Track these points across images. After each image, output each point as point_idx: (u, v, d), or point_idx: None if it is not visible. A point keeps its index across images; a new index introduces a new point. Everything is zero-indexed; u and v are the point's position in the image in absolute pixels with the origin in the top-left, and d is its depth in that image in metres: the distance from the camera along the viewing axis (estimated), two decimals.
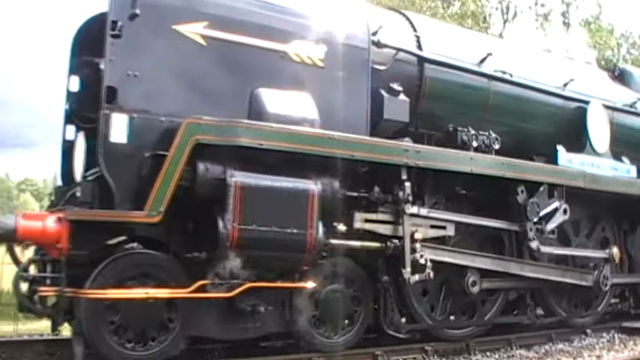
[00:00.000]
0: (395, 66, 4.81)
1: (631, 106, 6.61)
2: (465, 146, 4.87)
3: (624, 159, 6.36)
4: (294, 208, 3.90)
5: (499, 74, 5.42)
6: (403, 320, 4.67)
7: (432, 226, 4.70)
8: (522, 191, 5.10)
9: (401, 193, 4.36)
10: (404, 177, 4.40)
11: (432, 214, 4.59)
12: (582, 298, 6.03)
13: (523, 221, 5.07)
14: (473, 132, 4.91)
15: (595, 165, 5.93)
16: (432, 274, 4.37)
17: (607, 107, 6.30)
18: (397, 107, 4.68)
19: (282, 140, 3.88)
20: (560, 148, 5.77)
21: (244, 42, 4.08)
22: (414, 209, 4.44)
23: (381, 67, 4.71)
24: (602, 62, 10.76)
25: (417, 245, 4.34)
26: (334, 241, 4.21)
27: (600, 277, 5.72)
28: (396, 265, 4.61)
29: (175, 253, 3.89)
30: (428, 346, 4.74)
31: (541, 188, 5.19)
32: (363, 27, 4.59)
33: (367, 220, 4.37)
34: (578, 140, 5.95)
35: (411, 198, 4.39)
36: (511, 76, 5.53)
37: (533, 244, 5.13)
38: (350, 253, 4.44)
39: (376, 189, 4.37)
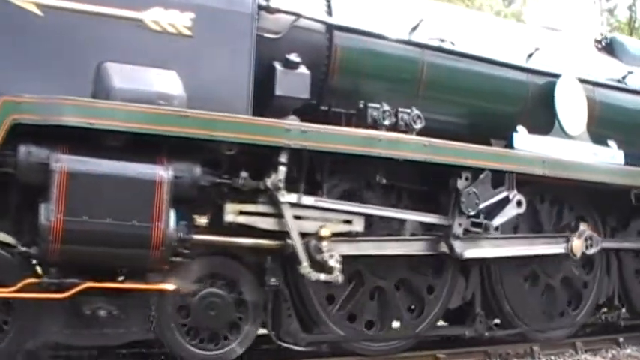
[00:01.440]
0: (294, 34, 4.12)
1: (619, 81, 5.59)
2: (375, 125, 4.12)
3: (610, 143, 5.39)
4: (135, 197, 3.31)
5: (436, 43, 4.64)
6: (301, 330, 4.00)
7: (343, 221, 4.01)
8: (467, 178, 4.31)
9: (273, 178, 3.68)
10: (282, 160, 3.70)
11: (321, 204, 3.87)
12: (554, 306, 5.14)
13: (454, 215, 4.27)
14: (387, 109, 4.15)
15: (565, 149, 5.01)
16: (340, 278, 3.69)
17: (586, 82, 5.34)
18: (294, 82, 3.98)
19: (119, 119, 3.31)
20: (520, 130, 4.90)
21: (90, 10, 3.53)
22: (292, 197, 3.75)
23: (273, 36, 4.04)
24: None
25: (324, 243, 3.67)
26: (200, 237, 3.62)
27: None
28: (294, 264, 3.97)
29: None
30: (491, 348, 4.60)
31: (481, 175, 4.37)
32: None
33: (242, 213, 3.73)
34: (546, 121, 5.05)
35: (282, 184, 3.69)
36: (453, 44, 4.73)
37: (457, 246, 4.28)
38: (233, 251, 3.83)
39: (242, 174, 3.69)
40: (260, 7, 3.93)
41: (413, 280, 4.45)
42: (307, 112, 4.17)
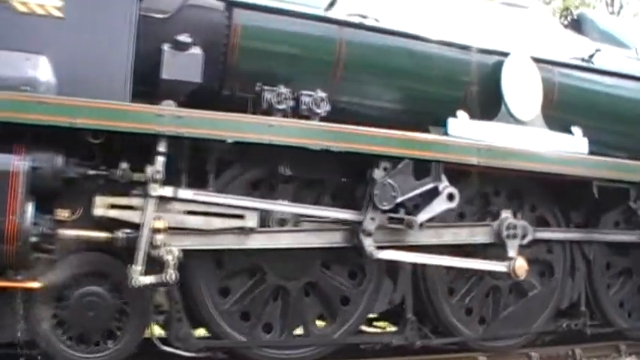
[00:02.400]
0: (186, 13, 3.77)
1: (585, 60, 5.00)
2: (270, 110, 3.73)
3: (575, 129, 4.83)
4: None
5: (356, 19, 4.20)
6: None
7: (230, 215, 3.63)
8: (385, 169, 3.86)
9: (151, 170, 3.35)
10: (160, 149, 3.36)
11: (202, 198, 3.51)
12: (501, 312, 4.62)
13: (367, 209, 3.83)
14: (283, 91, 3.74)
15: (513, 136, 4.48)
16: (173, 276, 3.31)
17: (543, 61, 4.79)
18: (183, 64, 3.63)
19: None
20: (460, 115, 4.41)
21: None
22: (165, 191, 3.40)
23: (160, 16, 3.70)
24: None
25: (159, 237, 3.31)
26: (66, 232, 3.32)
27: None
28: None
29: None
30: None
31: (400, 165, 3.91)
32: None
33: (114, 206, 3.41)
34: (494, 105, 4.54)
35: (160, 176, 3.34)
36: (377, 21, 4.28)
37: (367, 244, 3.80)
38: (114, 248, 3.51)
39: (123, 165, 3.38)
40: None
41: (325, 281, 4.03)
42: (207, 97, 3.83)
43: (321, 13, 4.07)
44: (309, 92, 3.81)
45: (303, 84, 3.96)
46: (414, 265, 4.22)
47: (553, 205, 4.82)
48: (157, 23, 3.68)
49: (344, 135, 3.70)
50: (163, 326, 3.80)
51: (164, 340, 3.68)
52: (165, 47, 3.64)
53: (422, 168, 3.97)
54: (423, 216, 3.98)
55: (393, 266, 4.18)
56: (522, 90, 4.57)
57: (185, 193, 3.46)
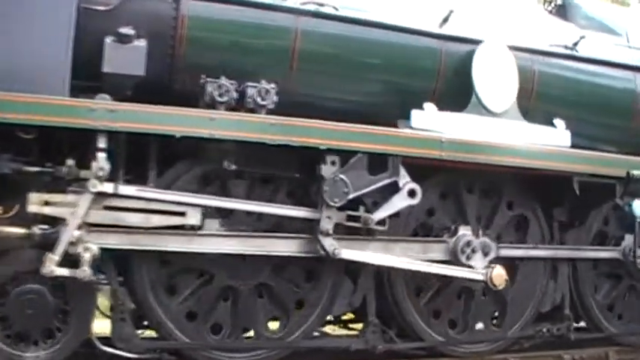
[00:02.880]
0: (131, 5, 3.64)
1: (568, 48, 4.70)
2: (213, 103, 3.58)
3: (557, 121, 4.54)
4: None
5: (313, 8, 4.02)
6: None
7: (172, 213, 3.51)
8: (334, 163, 3.68)
9: (94, 166, 3.25)
10: (100, 145, 3.27)
11: (145, 194, 3.39)
12: (473, 315, 4.38)
13: (321, 207, 3.65)
14: (224, 83, 3.59)
15: (485, 128, 4.23)
16: (88, 272, 3.19)
17: (521, 50, 4.51)
18: (125, 58, 3.51)
19: None
20: (428, 107, 4.18)
21: None
22: (107, 187, 3.29)
23: (103, 8, 3.60)
24: None
25: (77, 233, 3.21)
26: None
27: None
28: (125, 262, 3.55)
29: None
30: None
31: (352, 159, 3.72)
32: None
33: (49, 203, 3.32)
34: (465, 96, 4.29)
35: (103, 172, 3.25)
36: (336, 9, 4.10)
37: (328, 244, 3.65)
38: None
39: (69, 162, 3.30)
40: None
41: (278, 282, 3.87)
42: (158, 91, 3.71)
43: (274, 1, 3.92)
44: (255, 84, 3.64)
45: (256, 76, 3.80)
46: (379, 266, 4.04)
47: (534, 202, 4.56)
48: (100, 16, 3.58)
49: (287, 128, 3.54)
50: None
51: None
52: (107, 40, 3.53)
53: (379, 163, 3.78)
54: (380, 213, 3.80)
55: (352, 266, 4.00)
56: (495, 79, 4.30)
57: (126, 189, 3.36)
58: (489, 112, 4.27)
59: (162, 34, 3.72)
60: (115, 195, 3.36)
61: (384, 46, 4.18)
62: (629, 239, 4.65)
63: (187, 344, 3.66)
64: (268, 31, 3.91)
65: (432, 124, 4.06)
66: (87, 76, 3.51)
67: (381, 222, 3.81)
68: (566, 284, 4.66)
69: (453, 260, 4.02)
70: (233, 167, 3.64)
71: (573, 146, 4.47)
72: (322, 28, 4.03)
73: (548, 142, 4.38)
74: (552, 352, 4.65)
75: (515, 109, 4.38)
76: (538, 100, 4.59)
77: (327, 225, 3.66)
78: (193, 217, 3.51)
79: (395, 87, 4.25)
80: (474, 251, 3.99)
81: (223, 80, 3.58)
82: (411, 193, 3.86)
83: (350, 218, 3.77)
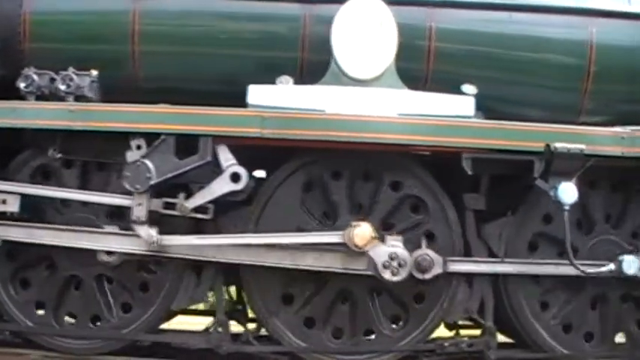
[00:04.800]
0: None
1: None
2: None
3: (466, 87, 3.65)
4: None
5: None
6: None
7: None
8: (139, 147, 3.47)
9: None
10: None
11: None
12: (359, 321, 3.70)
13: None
14: (29, 74, 3.53)
15: (344, 100, 3.58)
16: None
17: (409, 3, 3.74)
18: None
19: None
20: (283, 80, 3.69)
21: None
22: None
23: None
24: None
25: None
26: None
27: None
28: None
29: None
30: None
31: (156, 142, 3.44)
32: None
33: None
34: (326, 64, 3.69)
35: None
36: None
37: (143, 233, 3.45)
38: None
39: None
40: None
41: (117, 274, 3.73)
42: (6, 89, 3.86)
43: None
44: (65, 73, 3.59)
45: (101, 65, 3.77)
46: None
47: (432, 182, 3.70)
48: None
49: (87, 114, 3.45)
50: None
51: None
52: None
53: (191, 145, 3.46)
54: (197, 200, 3.47)
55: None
56: (361, 42, 3.64)
57: None
58: (353, 81, 3.63)
59: (11, 33, 3.91)
60: None
61: (235, 18, 3.84)
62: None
63: (28, 328, 3.73)
64: (105, 16, 3.86)
65: (274, 99, 3.59)
66: None
67: (204, 210, 3.50)
68: (488, 290, 3.71)
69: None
70: (58, 156, 3.67)
71: (501, 116, 3.59)
72: (163, 6, 3.85)
73: (439, 112, 3.56)
74: None
75: (393, 74, 3.64)
76: (440, 62, 3.77)
77: (138, 213, 3.48)
78: (12, 205, 3.61)
79: (253, 61, 3.87)
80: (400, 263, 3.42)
81: (29, 71, 3.61)
82: (234, 177, 3.46)
83: (169, 205, 3.53)
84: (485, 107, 3.77)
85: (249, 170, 3.54)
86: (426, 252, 3.50)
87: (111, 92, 3.75)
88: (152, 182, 3.42)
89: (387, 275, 3.39)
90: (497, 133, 3.42)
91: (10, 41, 3.88)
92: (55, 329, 3.73)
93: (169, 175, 3.44)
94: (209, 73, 3.90)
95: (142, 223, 3.49)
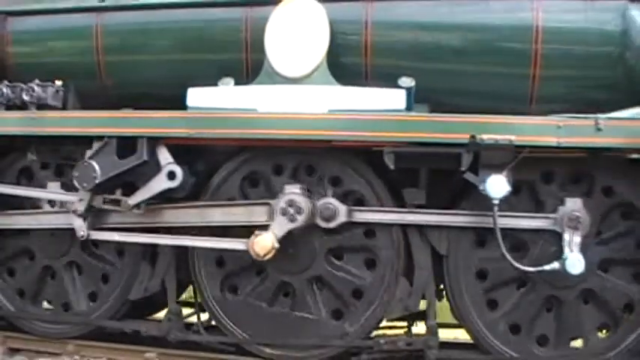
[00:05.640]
0: None
1: None
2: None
3: (403, 80, 3.58)
4: None
5: (111, 3, 4.11)
6: None
7: None
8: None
9: None
10: None
11: None
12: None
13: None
14: (18, 87, 3.94)
15: (278, 98, 3.64)
16: None
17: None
18: None
19: None
20: (224, 82, 3.83)
21: None
22: None
23: None
24: None
25: None
26: None
27: None
28: None
29: None
30: None
31: (95, 145, 3.72)
32: None
33: None
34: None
35: None
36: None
37: (76, 225, 3.79)
38: None
39: None
40: None
41: (86, 262, 4.09)
42: None
43: (75, 3, 4.20)
44: (29, 85, 3.95)
45: (74, 78, 4.16)
46: (178, 248, 3.89)
47: (372, 177, 3.67)
48: None
49: (41, 121, 3.82)
50: None
51: None
52: None
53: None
54: (137, 197, 3.72)
55: (151, 250, 3.97)
56: (293, 41, 3.69)
57: None
58: (285, 79, 3.69)
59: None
60: None
61: (183, 26, 4.04)
62: None
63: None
64: (72, 32, 4.23)
65: (212, 100, 3.74)
66: None
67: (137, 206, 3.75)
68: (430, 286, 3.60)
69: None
70: (34, 158, 4.08)
71: (453, 109, 3.51)
72: (122, 20, 4.14)
73: (370, 107, 3.53)
74: None
75: (325, 72, 3.66)
76: (379, 56, 3.73)
77: (77, 206, 3.80)
78: None
79: (203, 65, 4.03)
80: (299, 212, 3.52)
81: (2, 85, 4.02)
82: (171, 176, 3.67)
83: (111, 202, 3.81)
84: (435, 100, 3.72)
85: None
86: (329, 200, 3.54)
87: (85, 100, 4.17)
88: (97, 181, 3.71)
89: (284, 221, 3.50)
90: (419, 126, 3.33)
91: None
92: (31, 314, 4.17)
93: (111, 174, 3.72)
94: (164, 78, 4.13)
95: (78, 215, 3.82)
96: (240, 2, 3.93)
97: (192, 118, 3.60)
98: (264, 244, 3.49)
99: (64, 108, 4.10)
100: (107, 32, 4.14)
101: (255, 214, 3.71)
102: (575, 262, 3.27)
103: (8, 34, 4.35)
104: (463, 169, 3.32)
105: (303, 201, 3.55)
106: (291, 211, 3.54)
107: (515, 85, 3.63)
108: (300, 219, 3.52)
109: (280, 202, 3.56)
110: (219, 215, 3.76)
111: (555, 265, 3.32)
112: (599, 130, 3.16)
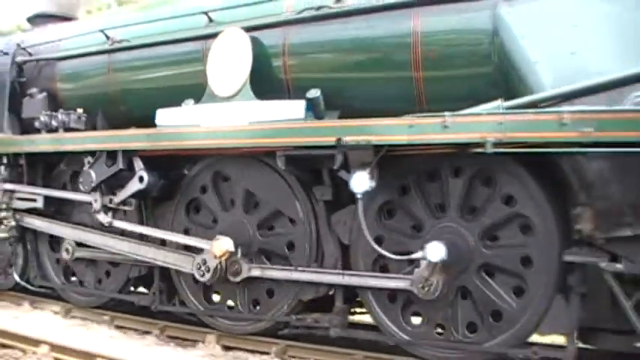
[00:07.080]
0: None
1: (324, 8, 4.19)
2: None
3: (311, 91, 4.15)
4: None
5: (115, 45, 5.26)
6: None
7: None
8: (89, 161, 4.98)
9: None
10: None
11: (18, 189, 5.55)
12: None
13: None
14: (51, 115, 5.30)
15: (212, 115, 4.44)
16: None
17: (265, 27, 4.40)
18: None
19: None
20: (186, 103, 4.76)
21: None
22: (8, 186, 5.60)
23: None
24: None
25: None
26: None
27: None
28: None
29: None
30: None
31: (86, 159, 4.93)
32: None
33: None
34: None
35: None
36: (129, 41, 5.20)
37: (101, 217, 4.94)
38: None
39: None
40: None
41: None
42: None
43: (97, 48, 5.43)
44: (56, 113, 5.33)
45: (95, 107, 5.46)
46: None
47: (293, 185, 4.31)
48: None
49: (59, 141, 5.13)
50: None
51: None
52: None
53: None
54: (120, 196, 4.83)
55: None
56: (225, 66, 4.47)
57: (11, 186, 5.64)
58: (220, 98, 4.48)
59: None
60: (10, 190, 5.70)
61: (156, 62, 5.10)
62: None
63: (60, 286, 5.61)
64: (94, 71, 5.48)
65: (175, 119, 4.66)
66: None
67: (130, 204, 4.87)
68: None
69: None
70: (65, 168, 5.45)
71: (363, 113, 3.95)
72: (124, 61, 5.29)
73: (278, 117, 4.17)
74: None
75: (248, 90, 4.38)
76: (294, 72, 4.35)
77: (96, 206, 4.98)
78: (40, 203, 5.48)
79: (173, 91, 4.94)
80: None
81: (42, 114, 5.40)
82: (140, 179, 4.70)
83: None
84: (348, 106, 4.24)
85: None
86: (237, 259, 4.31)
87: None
88: (93, 184, 4.90)
89: (197, 275, 4.39)
90: (299, 132, 3.91)
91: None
92: None
93: (101, 179, 4.87)
94: (150, 102, 5.14)
95: (97, 212, 5.00)
96: (199, 37, 4.81)
97: (151, 134, 4.61)
98: (220, 247, 4.26)
99: (94, 129, 5.42)
100: (115, 70, 5.35)
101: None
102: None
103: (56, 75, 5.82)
104: (335, 167, 3.81)
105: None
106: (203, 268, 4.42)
107: (404, 89, 3.99)
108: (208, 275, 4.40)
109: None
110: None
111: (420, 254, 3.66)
112: (445, 127, 3.43)
